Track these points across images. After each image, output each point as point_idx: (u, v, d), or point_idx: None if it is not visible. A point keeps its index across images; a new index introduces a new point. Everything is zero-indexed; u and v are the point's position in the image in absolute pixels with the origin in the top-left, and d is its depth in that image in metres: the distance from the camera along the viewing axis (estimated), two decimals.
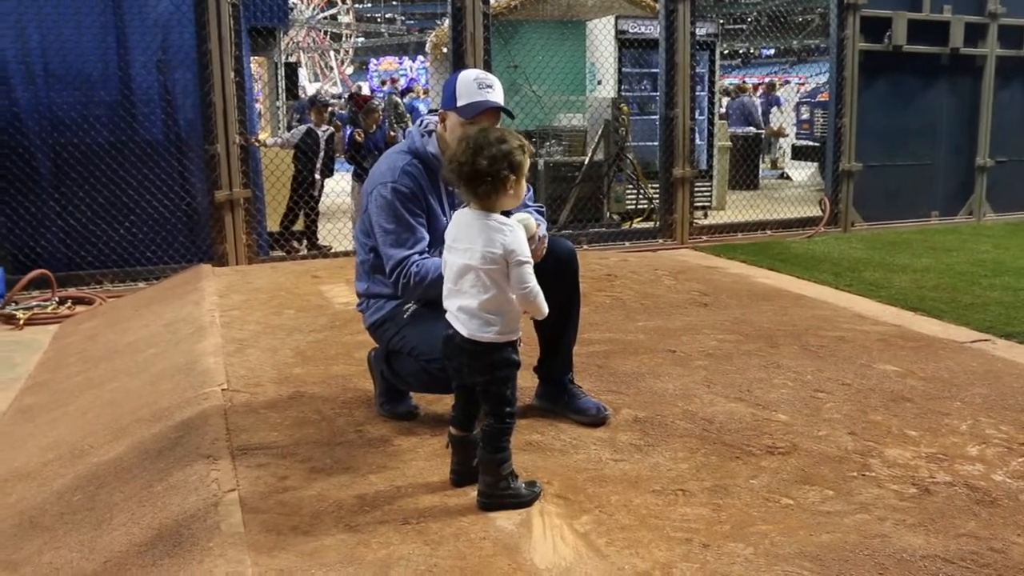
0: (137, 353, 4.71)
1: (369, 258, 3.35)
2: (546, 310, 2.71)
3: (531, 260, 2.66)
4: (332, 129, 9.09)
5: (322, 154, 8.76)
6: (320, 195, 8.97)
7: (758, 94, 15.86)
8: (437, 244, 3.19)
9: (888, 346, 4.58)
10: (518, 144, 2.67)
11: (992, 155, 10.22)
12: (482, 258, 2.62)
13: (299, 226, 8.86)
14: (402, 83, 25.68)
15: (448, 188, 3.30)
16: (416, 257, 3.16)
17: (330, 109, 9.99)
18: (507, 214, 2.76)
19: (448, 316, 2.73)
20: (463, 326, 2.66)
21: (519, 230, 2.68)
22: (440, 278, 2.93)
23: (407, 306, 3.27)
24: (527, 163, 2.69)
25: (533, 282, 2.65)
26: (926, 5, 9.58)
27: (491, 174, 2.61)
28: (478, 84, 3.16)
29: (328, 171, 9.02)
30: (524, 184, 2.73)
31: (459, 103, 3.16)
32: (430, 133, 3.31)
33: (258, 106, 10.12)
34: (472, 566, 2.35)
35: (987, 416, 3.55)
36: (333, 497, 2.75)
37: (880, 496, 2.81)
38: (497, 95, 3.18)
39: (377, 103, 11.04)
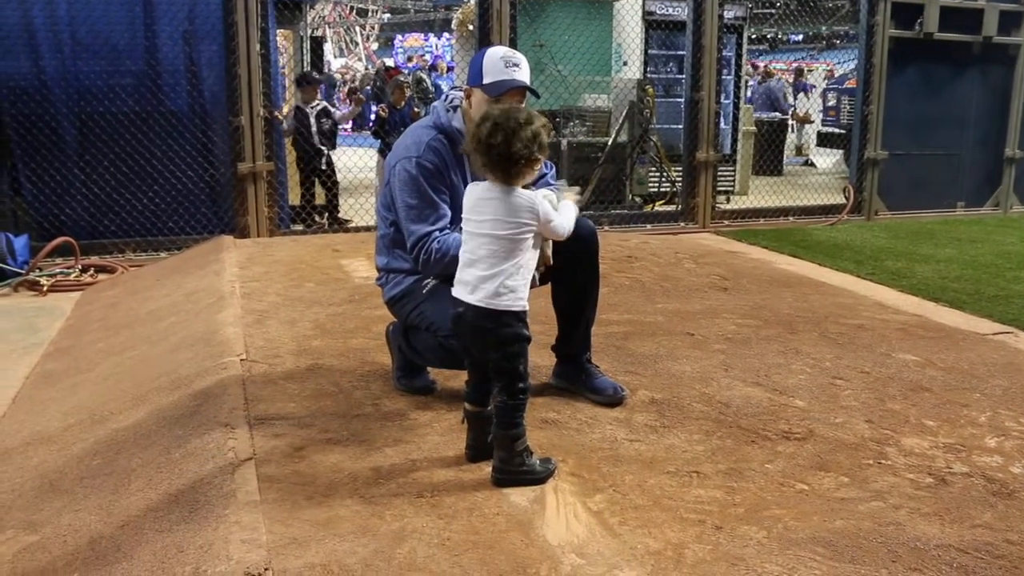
0: (158, 322, 4.74)
1: (390, 232, 3.35)
2: (571, 224, 2.90)
3: (552, 211, 2.78)
4: (323, 103, 9.05)
5: (314, 128, 8.72)
6: (331, 166, 8.94)
7: (775, 79, 15.67)
8: (459, 220, 3.20)
9: (908, 336, 4.55)
10: (542, 124, 2.71)
11: (1021, 147, 10.09)
12: (514, 228, 2.66)
13: (320, 200, 8.87)
14: (428, 59, 25.65)
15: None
16: (437, 233, 3.17)
17: (321, 86, 9.96)
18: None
19: (458, 287, 2.75)
20: (475, 294, 2.68)
21: (538, 194, 2.76)
22: (452, 256, 2.97)
23: (426, 281, 3.27)
24: (544, 148, 2.73)
25: (560, 219, 2.81)
26: None
27: (525, 157, 2.66)
28: (505, 62, 3.16)
29: (330, 143, 8.98)
30: (537, 166, 2.77)
31: (485, 80, 3.15)
32: (455, 108, 3.30)
33: (283, 79, 10.12)
34: (485, 541, 2.36)
35: (1007, 408, 3.52)
36: (348, 468, 2.77)
37: (896, 485, 2.80)
38: (524, 74, 3.17)
39: (403, 79, 11.01)
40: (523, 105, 3.13)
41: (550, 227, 2.77)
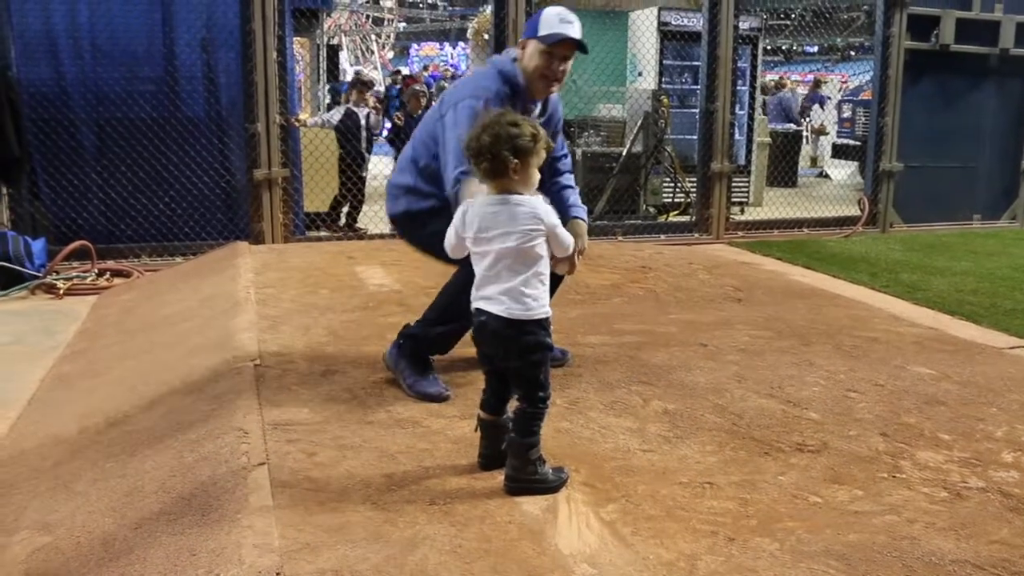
0: (173, 326, 4.76)
1: (431, 164, 3.54)
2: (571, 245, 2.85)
3: (559, 221, 2.77)
4: (371, 110, 9.11)
5: (364, 133, 8.77)
6: (366, 175, 9.01)
7: (787, 90, 15.59)
8: None
9: (923, 349, 4.53)
10: (530, 132, 2.67)
11: None
12: (521, 237, 2.65)
13: (346, 207, 8.92)
14: (451, 71, 25.78)
15: (528, 114, 3.48)
16: None
17: (372, 91, 10.07)
18: None
19: (479, 301, 2.74)
20: (501, 307, 2.67)
21: (538, 199, 2.74)
22: None
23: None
24: (538, 153, 2.70)
25: (569, 236, 2.80)
26: (976, 4, 9.43)
27: (492, 153, 2.64)
28: (560, 19, 3.46)
29: (368, 150, 9.06)
30: (534, 173, 2.73)
31: (541, 32, 3.45)
32: (514, 60, 3.55)
33: (299, 86, 10.21)
34: (497, 549, 2.36)
35: (1023, 423, 3.49)
36: (361, 475, 2.78)
37: (910, 498, 2.79)
38: (576, 31, 3.46)
39: (419, 88, 11.06)
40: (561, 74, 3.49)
41: (557, 232, 2.73)
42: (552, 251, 2.77)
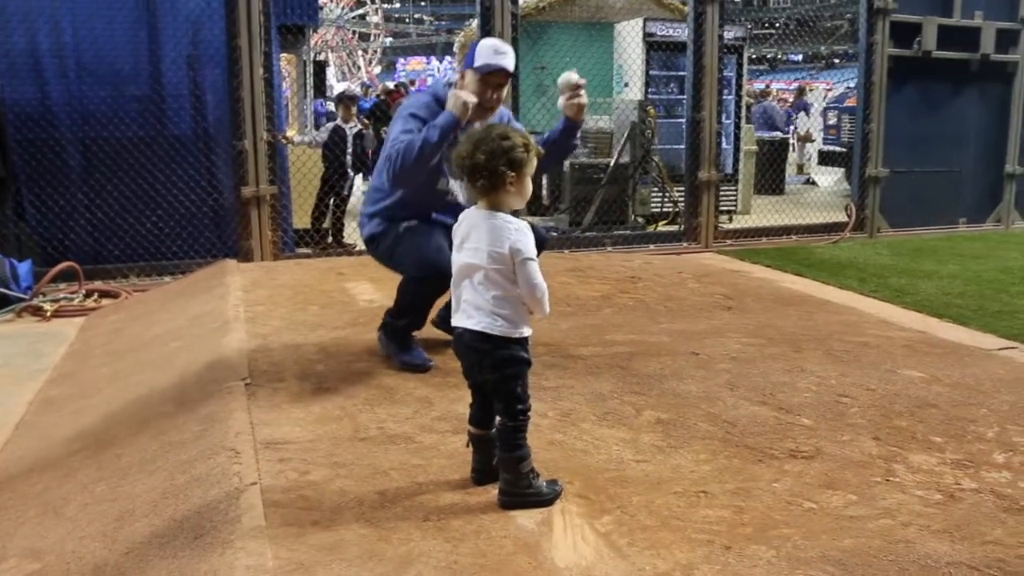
0: (162, 346, 4.74)
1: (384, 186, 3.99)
2: (548, 309, 2.69)
3: (536, 258, 2.66)
4: (359, 126, 9.08)
5: (350, 149, 8.73)
6: (350, 192, 8.96)
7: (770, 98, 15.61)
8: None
9: (913, 352, 4.54)
10: (522, 142, 2.67)
11: (1021, 163, 10.10)
12: (488, 257, 2.63)
13: (326, 223, 8.89)
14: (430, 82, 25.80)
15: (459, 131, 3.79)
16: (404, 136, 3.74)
17: (357, 105, 10.02)
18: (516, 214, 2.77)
19: (456, 316, 2.74)
20: (472, 321, 2.67)
21: (525, 229, 2.67)
22: (417, 148, 3.61)
23: (404, 224, 3.96)
24: (531, 162, 2.70)
25: (540, 279, 2.64)
26: (957, 10, 9.49)
27: (488, 169, 2.64)
28: (494, 50, 3.79)
29: (363, 167, 8.99)
30: (528, 183, 2.73)
31: (476, 63, 3.76)
32: (450, 85, 3.88)
33: (286, 103, 10.17)
34: (492, 564, 2.35)
35: (1014, 424, 3.50)
36: (354, 492, 2.76)
37: (904, 502, 2.79)
38: (508, 61, 3.79)
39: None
40: (505, 114, 3.97)
41: (526, 267, 2.60)
42: (520, 290, 2.64)
